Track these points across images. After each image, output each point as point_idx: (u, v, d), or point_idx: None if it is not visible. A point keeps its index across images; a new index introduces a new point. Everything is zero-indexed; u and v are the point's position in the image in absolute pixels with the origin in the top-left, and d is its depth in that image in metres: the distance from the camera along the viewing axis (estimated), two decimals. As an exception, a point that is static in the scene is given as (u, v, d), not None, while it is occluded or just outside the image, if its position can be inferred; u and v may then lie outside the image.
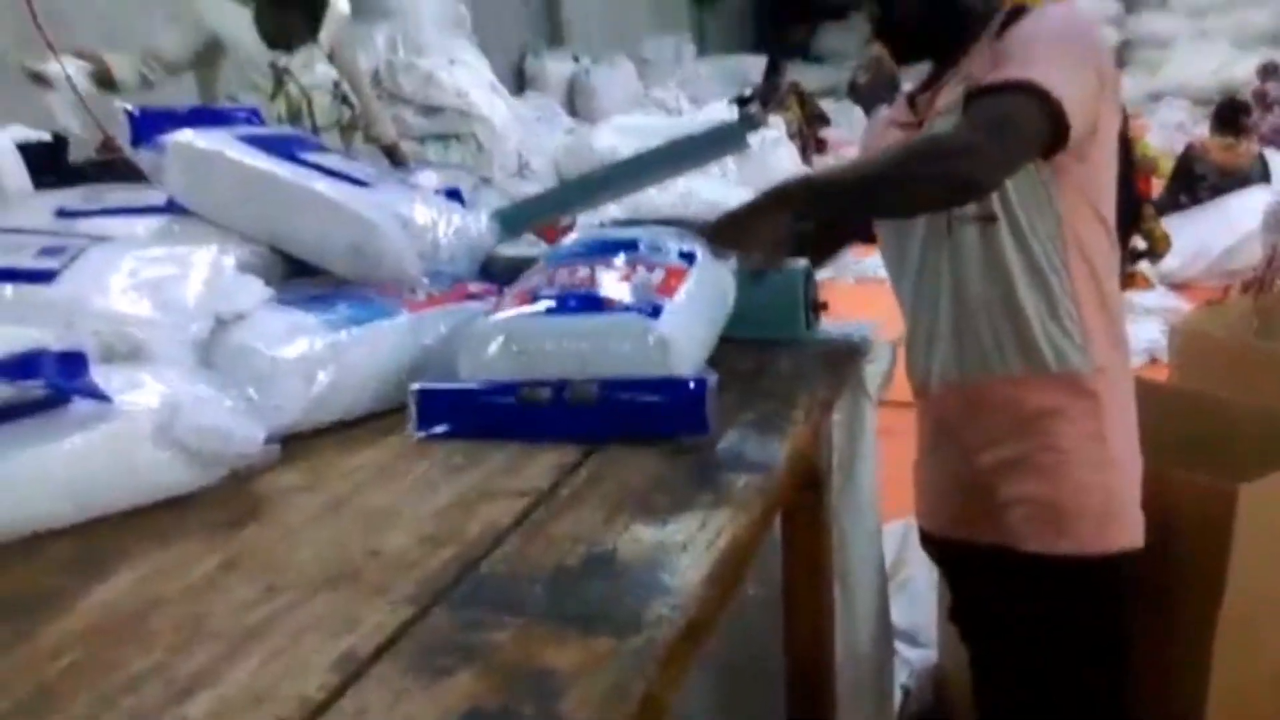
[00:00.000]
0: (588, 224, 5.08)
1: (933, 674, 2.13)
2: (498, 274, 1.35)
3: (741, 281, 1.28)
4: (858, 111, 10.15)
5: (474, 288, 1.30)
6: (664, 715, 0.72)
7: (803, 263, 1.37)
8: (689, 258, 1.21)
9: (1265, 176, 5.65)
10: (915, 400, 1.49)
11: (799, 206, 1.21)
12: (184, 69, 3.26)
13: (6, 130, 1.61)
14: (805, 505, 1.40)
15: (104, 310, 1.02)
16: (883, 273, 1.50)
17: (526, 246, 1.57)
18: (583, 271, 1.16)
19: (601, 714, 0.65)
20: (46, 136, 1.70)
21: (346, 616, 0.76)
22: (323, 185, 1.23)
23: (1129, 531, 1.39)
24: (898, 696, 1.98)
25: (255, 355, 1.06)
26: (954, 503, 1.48)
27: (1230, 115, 5.84)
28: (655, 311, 1.06)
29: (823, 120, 8.71)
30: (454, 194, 1.93)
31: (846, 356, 1.37)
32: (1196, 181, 5.57)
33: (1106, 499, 1.37)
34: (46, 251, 1.08)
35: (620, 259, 1.19)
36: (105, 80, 2.85)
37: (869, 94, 10.45)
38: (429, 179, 2.01)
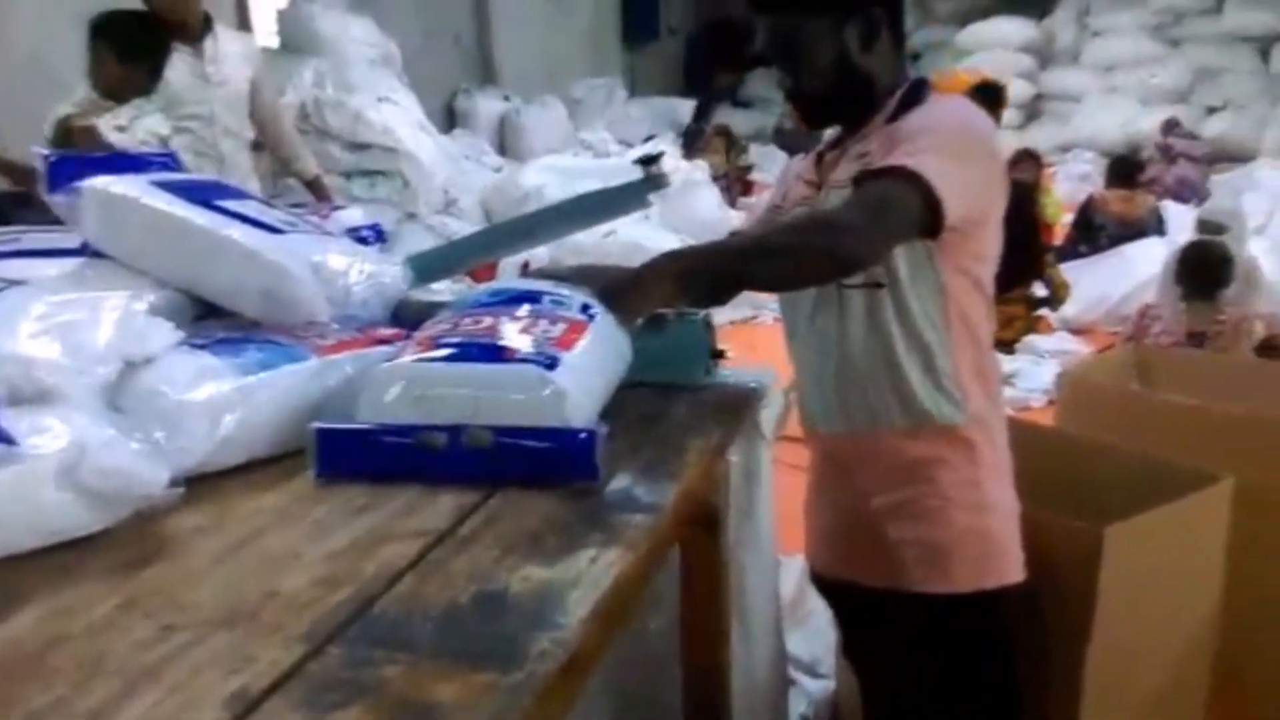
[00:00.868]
0: (511, 264, 5.12)
1: (831, 704, 2.20)
2: (409, 319, 1.39)
3: (644, 330, 1.35)
4: (783, 155, 10.42)
5: (384, 333, 1.34)
6: (544, 746, 0.77)
7: (703, 313, 1.44)
8: (589, 312, 1.27)
9: (1160, 228, 5.93)
10: (806, 443, 1.57)
11: (681, 284, 1.27)
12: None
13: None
14: (702, 543, 1.46)
15: (11, 354, 1.04)
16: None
17: (437, 292, 1.61)
18: (486, 321, 1.21)
19: (480, 746, 0.69)
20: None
21: (241, 655, 0.80)
22: (236, 231, 1.26)
23: (1007, 569, 1.47)
24: (798, 727, 2.04)
25: (162, 398, 1.09)
26: (843, 543, 1.55)
27: (1124, 170, 6.13)
28: (552, 364, 1.12)
29: (746, 166, 8.89)
30: (376, 230, 1.97)
31: (742, 401, 1.44)
32: (1096, 231, 5.82)
33: (985, 541, 1.45)
34: (-44, 294, 1.10)
35: (524, 310, 1.24)
36: None
37: (794, 140, 10.73)
38: (352, 215, 2.05)
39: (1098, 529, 1.65)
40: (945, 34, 12.20)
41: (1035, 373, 4.47)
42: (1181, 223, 5.98)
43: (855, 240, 1.28)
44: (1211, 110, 10.43)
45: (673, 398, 1.39)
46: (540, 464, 1.08)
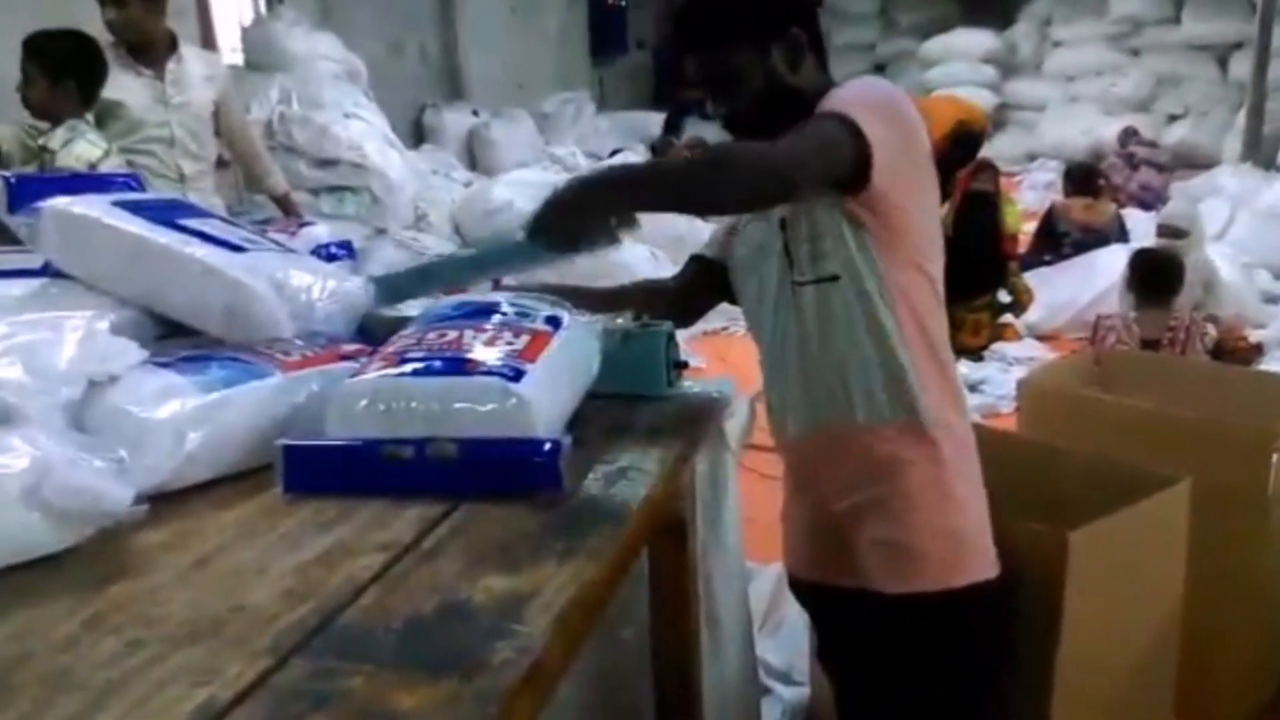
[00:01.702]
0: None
1: (806, 711, 2.22)
2: (375, 334, 1.40)
3: (607, 341, 1.37)
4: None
5: (348, 348, 1.35)
6: (507, 752, 0.78)
7: (666, 325, 1.46)
8: (555, 323, 1.29)
9: (1123, 234, 6.02)
10: (777, 449, 1.59)
11: (608, 193, 1.33)
12: None
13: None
14: (669, 551, 1.47)
15: (-26, 374, 1.05)
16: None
17: (403, 308, 1.62)
18: (451, 334, 1.22)
19: (443, 752, 0.70)
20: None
21: (206, 668, 0.80)
22: (197, 249, 1.27)
23: (976, 567, 1.49)
24: (771, 735, 2.06)
25: (127, 417, 1.10)
26: (815, 546, 1.58)
27: (1081, 177, 6.22)
28: (517, 375, 1.13)
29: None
30: (346, 247, 1.98)
31: (705, 411, 1.46)
32: (1060, 239, 5.90)
33: (952, 540, 1.48)
34: (-83, 317, 1.10)
35: (489, 323, 1.26)
36: None
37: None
38: (320, 232, 2.06)
39: (1062, 533, 1.68)
40: (909, 45, 12.36)
41: (1003, 379, 4.52)
42: (1145, 229, 6.07)
43: (789, 159, 1.31)
44: (1173, 118, 10.62)
45: (636, 408, 1.40)
46: (505, 475, 1.09)
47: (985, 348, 4.94)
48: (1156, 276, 3.43)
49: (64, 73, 2.91)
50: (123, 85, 3.23)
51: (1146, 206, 7.39)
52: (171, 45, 3.32)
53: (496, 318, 1.28)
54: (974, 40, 11.73)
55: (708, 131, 10.86)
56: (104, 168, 2.81)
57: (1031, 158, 10.64)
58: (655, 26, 12.85)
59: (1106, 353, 2.89)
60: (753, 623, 1.82)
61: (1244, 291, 5.29)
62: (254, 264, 1.28)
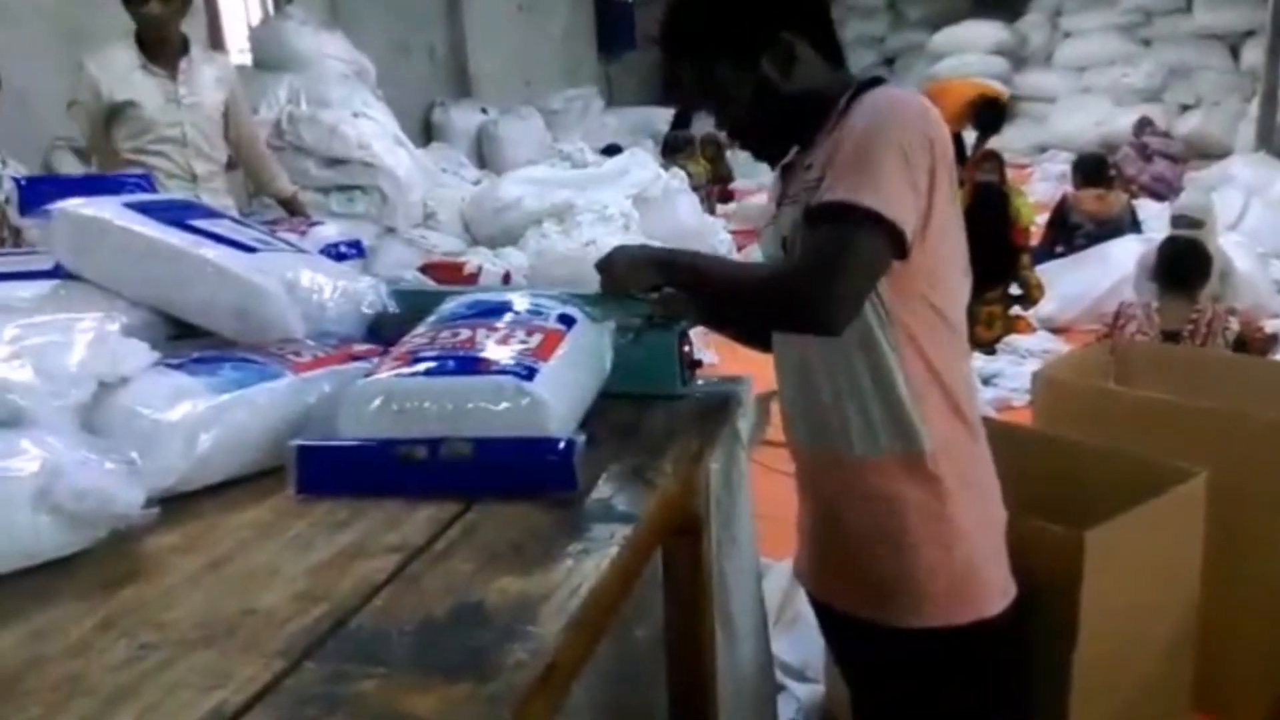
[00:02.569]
0: (493, 274, 5.11)
1: (821, 709, 2.21)
2: (387, 334, 1.39)
3: (620, 340, 1.36)
4: (763, 164, 10.43)
5: (359, 349, 1.34)
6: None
7: (679, 323, 1.44)
8: (568, 321, 1.28)
9: (1135, 225, 5.98)
10: (789, 452, 1.57)
11: (662, 278, 1.35)
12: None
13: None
14: (684, 550, 1.46)
15: (-15, 377, 1.04)
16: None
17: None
18: (464, 333, 1.22)
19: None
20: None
21: (218, 672, 0.80)
22: (209, 250, 1.26)
23: (982, 602, 1.41)
24: (786, 732, 2.05)
25: (138, 418, 1.09)
26: (823, 567, 1.53)
27: (1091, 168, 6.17)
28: (530, 374, 1.12)
29: (727, 177, 8.91)
30: (355, 245, 1.98)
31: (719, 410, 1.44)
32: (1072, 231, 5.87)
33: (954, 576, 1.40)
34: (-72, 320, 1.10)
35: (501, 321, 1.25)
36: None
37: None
38: (329, 231, 2.06)
39: (1078, 534, 1.65)
40: (919, 38, 12.31)
41: (1016, 372, 4.50)
42: (1158, 220, 6.04)
43: (824, 310, 1.25)
44: (1185, 108, 10.56)
45: (650, 408, 1.39)
46: (519, 474, 1.08)
47: (998, 340, 4.91)
48: (1184, 266, 3.35)
49: None
50: (136, 85, 3.23)
51: (1159, 197, 7.34)
52: (183, 46, 3.32)
53: (509, 316, 1.27)
54: (984, 32, 11.68)
55: (714, 126, 10.83)
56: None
57: (1042, 149, 10.59)
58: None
59: (1123, 345, 2.86)
60: (768, 620, 1.81)
61: (1259, 281, 5.25)
62: (265, 264, 1.28)
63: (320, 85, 5.82)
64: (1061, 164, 9.09)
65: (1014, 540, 1.49)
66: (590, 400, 1.27)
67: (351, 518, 1.07)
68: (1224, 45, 10.59)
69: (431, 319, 1.30)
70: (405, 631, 0.85)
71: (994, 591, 1.43)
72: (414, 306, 1.39)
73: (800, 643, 2.30)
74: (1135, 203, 6.47)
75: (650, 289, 1.38)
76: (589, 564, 0.97)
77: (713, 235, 6.62)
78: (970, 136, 6.36)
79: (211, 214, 1.41)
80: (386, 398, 1.12)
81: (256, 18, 7.09)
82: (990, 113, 6.23)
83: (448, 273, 5.38)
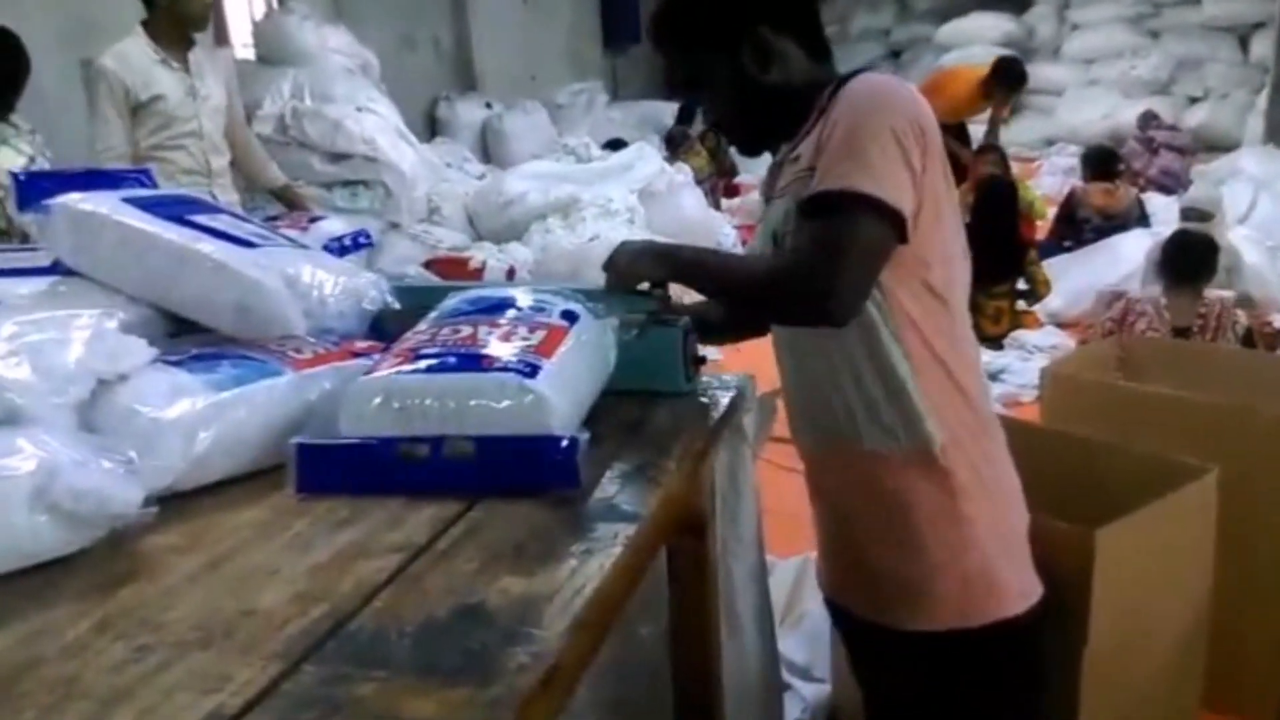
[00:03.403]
0: (497, 269, 5.09)
1: (827, 708, 2.19)
2: (389, 330, 1.38)
3: (623, 336, 1.34)
4: (766, 156, 10.40)
5: (361, 345, 1.33)
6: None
7: (683, 320, 1.43)
8: (571, 318, 1.26)
9: (1143, 218, 5.95)
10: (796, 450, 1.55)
11: (665, 271, 1.36)
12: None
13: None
14: (688, 547, 1.45)
15: (-19, 375, 1.03)
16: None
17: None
18: (465, 330, 1.20)
19: (457, 761, 0.68)
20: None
21: (217, 674, 0.79)
22: (207, 245, 1.25)
23: (997, 604, 1.37)
24: (792, 731, 2.03)
25: (136, 416, 1.08)
26: (834, 568, 1.51)
27: (1100, 161, 6.13)
28: (533, 371, 1.11)
29: (731, 171, 8.88)
30: (363, 236, 1.97)
31: (724, 407, 1.43)
32: (1080, 225, 5.84)
33: (966, 577, 1.36)
34: (-75, 318, 1.09)
35: (503, 318, 1.23)
36: None
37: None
38: (332, 226, 2.04)
39: (1089, 531, 1.64)
40: (925, 30, 12.25)
41: (1024, 368, 4.48)
42: (1166, 214, 6.00)
43: (843, 294, 1.23)
44: (1193, 100, 10.49)
45: (654, 405, 1.38)
46: (522, 472, 1.07)
47: (1006, 335, 4.89)
48: (1191, 260, 3.30)
49: None
50: (159, 80, 3.22)
51: (1167, 191, 7.30)
52: (190, 39, 3.32)
53: (511, 312, 1.26)
54: (991, 24, 11.61)
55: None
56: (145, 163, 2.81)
57: (1050, 143, 10.53)
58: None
59: (1132, 340, 2.84)
60: (774, 618, 1.79)
61: (1267, 275, 5.21)
62: (265, 260, 1.26)
63: (324, 80, 5.81)
64: (1069, 157, 9.06)
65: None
66: (594, 397, 1.25)
67: (353, 516, 1.06)
68: (1233, 37, 10.53)
69: (433, 315, 1.29)
70: (406, 633, 0.84)
71: (1011, 593, 1.39)
72: (416, 302, 1.38)
73: (807, 641, 2.28)
74: (1143, 196, 6.43)
75: (654, 284, 1.38)
76: (593, 564, 0.95)
77: (717, 230, 6.60)
78: (976, 130, 6.34)
79: (211, 209, 1.39)
80: (387, 395, 1.11)
81: (260, 12, 7.07)
82: (1011, 69, 6.17)
83: (452, 268, 5.38)
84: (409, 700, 0.75)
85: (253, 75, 5.71)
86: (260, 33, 6.39)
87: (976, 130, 6.36)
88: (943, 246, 1.34)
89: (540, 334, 1.20)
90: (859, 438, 1.36)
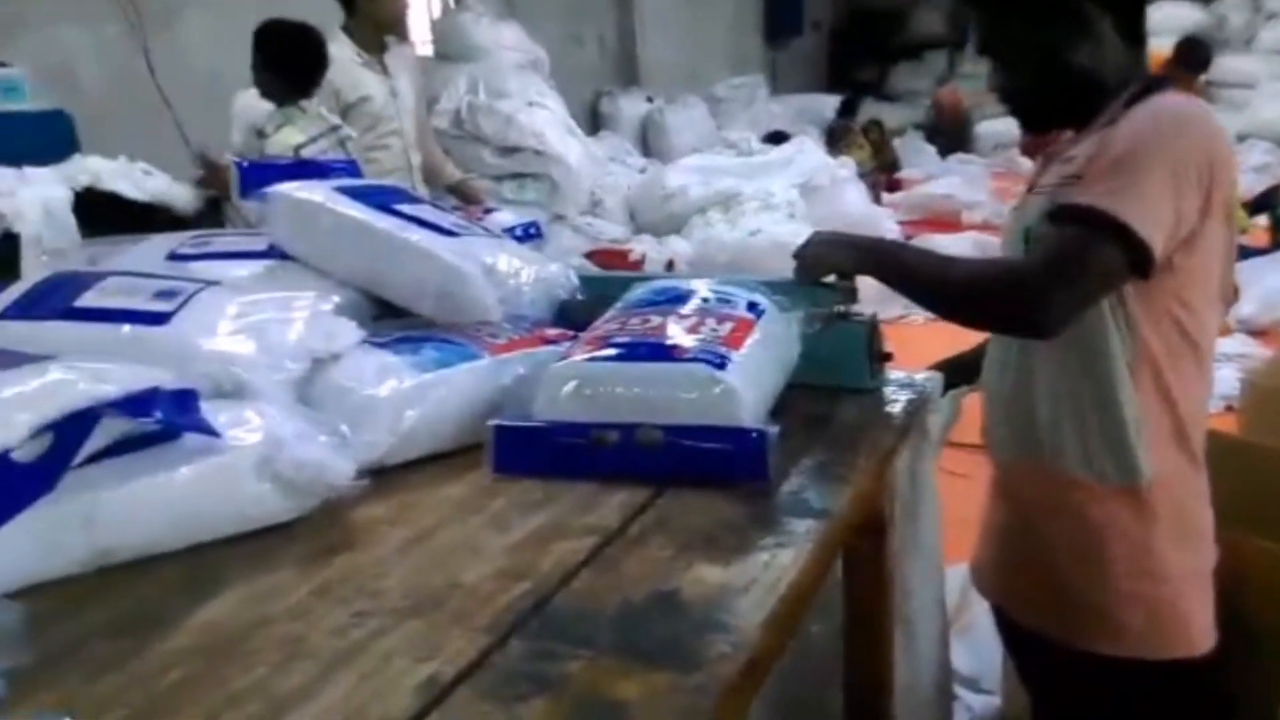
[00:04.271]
0: (657, 262, 5.11)
1: (995, 721, 2.12)
2: (575, 319, 1.41)
3: (807, 330, 1.33)
4: (930, 150, 10.14)
5: (551, 332, 1.36)
6: (724, 749, 0.76)
7: (868, 314, 1.41)
8: (757, 310, 1.26)
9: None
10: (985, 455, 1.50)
11: (859, 263, 1.34)
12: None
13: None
14: (867, 549, 1.43)
15: (212, 351, 1.11)
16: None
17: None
18: (654, 320, 1.21)
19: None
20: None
21: (430, 643, 0.82)
22: (415, 234, 1.31)
23: (1180, 642, 1.33)
24: (959, 743, 1.98)
25: (349, 394, 1.14)
26: (1006, 574, 1.48)
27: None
28: (722, 362, 1.11)
29: (894, 165, 8.69)
30: (535, 227, 2.02)
31: (910, 406, 1.40)
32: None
33: (1153, 611, 1.32)
34: (161, 295, 1.17)
35: (690, 309, 1.24)
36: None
37: (941, 135, 10.45)
38: (505, 218, 2.11)
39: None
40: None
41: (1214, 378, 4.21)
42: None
43: (1038, 311, 1.20)
44: (1403, 93, 9.66)
45: (840, 400, 1.36)
46: (711, 463, 1.07)
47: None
48: None
49: (279, 62, 3.07)
50: (366, 83, 3.36)
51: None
52: (385, 41, 3.45)
53: (696, 303, 1.26)
54: (1180, 13, 10.93)
55: (882, 113, 10.59)
56: (306, 153, 2.96)
57: (1241, 139, 9.87)
58: (830, 7, 12.61)
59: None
60: (948, 626, 1.75)
61: None
62: (465, 249, 1.31)
63: (497, 75, 5.97)
64: (1262, 154, 8.47)
65: (1223, 559, 1.39)
66: (780, 390, 1.25)
67: (545, 498, 1.08)
68: None
69: (619, 305, 1.31)
70: (605, 615, 0.86)
71: (1196, 632, 1.34)
72: (598, 292, 1.40)
73: (975, 651, 2.21)
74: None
75: (841, 276, 1.36)
76: (785, 558, 0.95)
77: (880, 224, 6.46)
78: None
79: (413, 199, 1.45)
80: (580, 381, 1.13)
81: (438, 10, 7.31)
82: (1196, 51, 5.83)
83: (613, 259, 5.44)
84: (614, 681, 0.76)
85: (432, 72, 5.92)
86: (439, 30, 6.62)
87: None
88: (1206, 290, 1.29)
89: (728, 325, 1.20)
90: (1063, 459, 1.33)
